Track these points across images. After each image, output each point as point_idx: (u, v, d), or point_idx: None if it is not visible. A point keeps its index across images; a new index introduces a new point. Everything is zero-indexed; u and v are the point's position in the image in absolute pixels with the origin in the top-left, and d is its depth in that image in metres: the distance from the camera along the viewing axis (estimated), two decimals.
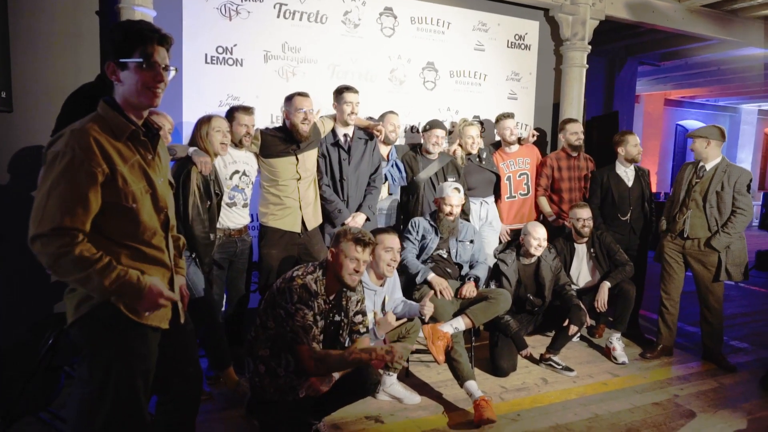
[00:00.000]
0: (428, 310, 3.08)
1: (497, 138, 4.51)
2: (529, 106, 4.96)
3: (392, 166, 3.96)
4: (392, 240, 3.02)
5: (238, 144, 3.27)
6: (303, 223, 3.47)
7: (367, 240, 2.52)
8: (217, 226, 3.11)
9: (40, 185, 1.56)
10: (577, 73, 4.91)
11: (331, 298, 2.56)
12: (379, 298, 3.12)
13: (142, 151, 1.71)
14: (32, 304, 3.18)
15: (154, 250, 1.75)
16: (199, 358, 2.04)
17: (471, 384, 3.07)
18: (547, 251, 3.75)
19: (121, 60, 1.63)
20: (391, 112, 4.06)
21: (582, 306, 3.65)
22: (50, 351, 2.19)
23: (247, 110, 3.30)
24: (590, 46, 4.93)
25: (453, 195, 3.55)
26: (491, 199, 4.33)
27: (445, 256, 3.62)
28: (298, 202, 3.44)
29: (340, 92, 3.65)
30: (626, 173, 4.24)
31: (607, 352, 3.94)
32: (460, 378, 3.11)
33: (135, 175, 1.67)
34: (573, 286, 3.90)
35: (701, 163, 3.82)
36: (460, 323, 3.28)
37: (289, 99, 3.39)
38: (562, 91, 4.99)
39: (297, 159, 3.41)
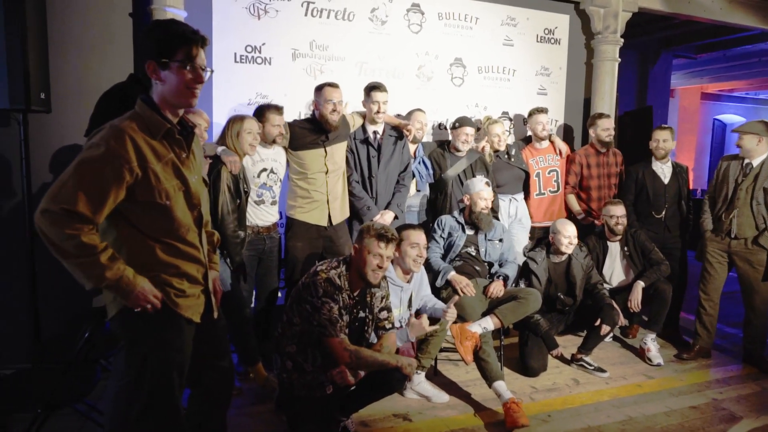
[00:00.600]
0: (450, 316, 3.03)
1: (528, 133, 4.45)
2: (559, 101, 4.88)
3: (419, 163, 3.94)
4: (418, 236, 3.01)
5: (270, 143, 3.30)
6: (329, 217, 3.48)
7: (390, 236, 2.51)
8: (246, 223, 3.15)
9: (70, 166, 1.59)
10: (608, 67, 4.80)
11: (355, 294, 2.56)
12: (405, 294, 3.11)
13: (176, 149, 1.73)
14: (71, 299, 3.28)
15: (189, 247, 1.77)
16: (231, 353, 2.06)
17: (500, 384, 3.03)
18: (578, 249, 3.68)
19: (164, 60, 1.65)
20: (419, 109, 4.04)
21: (615, 305, 3.57)
22: (87, 344, 2.24)
23: (279, 110, 3.32)
24: (623, 39, 4.81)
25: (485, 189, 3.53)
26: (521, 196, 4.28)
27: (473, 254, 3.58)
28: (325, 195, 3.45)
29: (368, 90, 3.67)
30: (662, 170, 4.12)
31: (641, 353, 3.85)
32: (489, 378, 3.08)
33: (168, 173, 1.69)
34: (606, 285, 3.82)
35: (747, 160, 3.68)
36: (489, 323, 3.24)
37: (319, 89, 3.41)
38: (593, 85, 4.88)
39: (326, 151, 3.43)
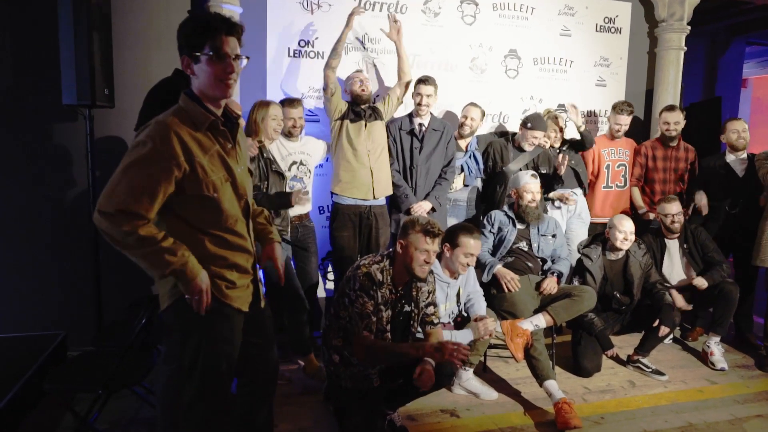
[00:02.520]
0: (482, 330, 2.94)
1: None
2: (619, 92, 4.67)
3: (469, 157, 3.88)
4: (475, 247, 2.94)
5: (287, 134, 3.42)
6: (373, 192, 3.52)
7: (436, 231, 2.48)
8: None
9: (119, 166, 1.64)
10: (673, 56, 4.56)
11: (399, 288, 2.54)
12: (452, 290, 3.07)
13: (221, 141, 1.75)
14: (131, 286, 3.44)
15: (237, 237, 1.80)
16: (275, 344, 2.10)
17: (551, 384, 2.95)
18: (637, 246, 3.52)
19: (195, 54, 1.67)
20: (473, 104, 3.98)
21: (674, 306, 3.40)
22: (143, 330, 2.33)
23: (292, 103, 3.46)
24: (689, 27, 4.55)
25: (531, 182, 3.44)
26: (579, 190, 4.13)
27: (525, 249, 3.50)
28: (369, 169, 3.51)
29: (416, 84, 3.71)
30: (737, 163, 3.88)
31: (703, 357, 3.65)
32: (540, 377, 3.00)
33: (215, 165, 1.72)
34: (666, 285, 3.64)
35: None
36: (541, 320, 3.16)
37: (347, 78, 3.67)
38: (656, 76, 4.65)
39: (366, 126, 3.54)
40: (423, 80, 3.68)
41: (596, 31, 4.57)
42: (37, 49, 3.33)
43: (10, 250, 3.43)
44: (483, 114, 4.02)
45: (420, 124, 3.70)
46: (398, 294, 2.52)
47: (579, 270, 3.59)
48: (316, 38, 3.96)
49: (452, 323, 3.09)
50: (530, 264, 3.47)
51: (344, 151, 3.53)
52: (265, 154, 3.18)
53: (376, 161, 3.55)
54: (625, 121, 4.15)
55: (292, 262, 3.34)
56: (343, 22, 3.89)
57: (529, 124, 3.83)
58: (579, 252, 3.68)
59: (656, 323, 3.36)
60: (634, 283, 3.49)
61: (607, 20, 4.59)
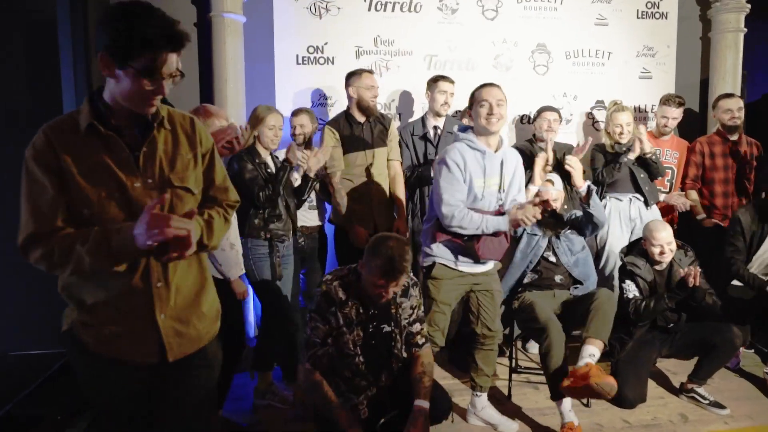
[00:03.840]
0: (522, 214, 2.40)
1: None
2: (667, 84, 4.17)
3: None
4: (488, 92, 2.48)
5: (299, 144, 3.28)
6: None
7: (396, 273, 2.03)
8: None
9: None
10: (731, 39, 4.03)
11: (371, 308, 2.19)
12: (490, 162, 2.47)
13: (111, 147, 1.42)
14: None
15: (118, 275, 1.43)
16: (209, 409, 1.71)
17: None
18: (683, 254, 3.04)
19: (122, 61, 1.33)
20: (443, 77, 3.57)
21: (734, 326, 2.88)
22: None
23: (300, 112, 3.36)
24: (749, 5, 4.01)
25: (543, 190, 2.99)
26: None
27: (552, 260, 3.09)
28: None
29: (434, 81, 3.42)
30: None
31: None
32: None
33: (95, 177, 1.40)
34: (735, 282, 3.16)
35: None
36: (595, 350, 2.66)
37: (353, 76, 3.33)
38: (711, 63, 4.12)
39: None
40: (444, 77, 3.41)
41: (638, 18, 4.12)
42: (40, 69, 3.34)
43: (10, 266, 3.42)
44: None
45: (435, 127, 3.41)
46: (371, 313, 2.21)
47: (627, 274, 3.06)
48: (326, 43, 3.79)
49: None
50: (558, 278, 3.06)
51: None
52: (257, 160, 2.94)
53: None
54: (674, 113, 3.66)
55: (290, 276, 3.07)
56: (353, 24, 3.72)
57: (539, 108, 3.61)
58: (622, 260, 3.20)
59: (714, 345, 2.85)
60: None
61: (650, 5, 4.13)
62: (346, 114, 3.31)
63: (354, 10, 3.79)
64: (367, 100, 3.23)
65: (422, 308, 2.33)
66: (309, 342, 2.13)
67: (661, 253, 2.92)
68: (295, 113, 3.36)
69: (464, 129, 2.60)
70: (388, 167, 3.34)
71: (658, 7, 4.15)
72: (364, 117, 3.27)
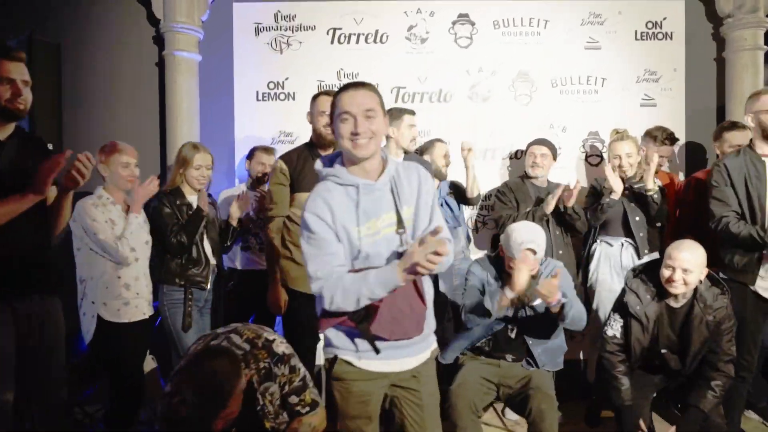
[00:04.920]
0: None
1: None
2: (675, 112, 3.63)
3: (440, 205, 3.11)
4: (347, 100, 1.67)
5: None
6: None
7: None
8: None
9: None
10: (748, 58, 3.46)
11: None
12: (382, 194, 1.69)
13: None
14: None
15: None
16: None
17: None
18: (713, 295, 2.36)
19: None
20: (439, 140, 3.28)
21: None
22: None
23: (267, 150, 3.25)
24: None
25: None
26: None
27: (511, 335, 2.58)
28: None
29: (399, 114, 3.01)
30: None
31: None
32: None
33: None
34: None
35: None
36: None
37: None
38: (727, 86, 3.56)
39: None
40: (407, 111, 3.03)
41: (636, 39, 3.66)
42: None
43: None
44: (445, 151, 3.26)
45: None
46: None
47: (620, 309, 2.49)
48: (287, 78, 3.65)
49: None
50: (510, 357, 2.58)
51: None
52: (179, 201, 2.76)
53: None
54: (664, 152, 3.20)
55: (206, 326, 2.81)
56: (315, 58, 3.58)
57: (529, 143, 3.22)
58: (626, 286, 2.51)
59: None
60: (691, 348, 2.36)
61: (651, 25, 3.66)
62: (308, 145, 2.83)
63: (316, 43, 3.64)
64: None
65: (300, 375, 1.88)
66: None
67: (670, 279, 2.27)
68: (253, 153, 3.25)
69: (332, 159, 1.76)
70: None
71: (660, 27, 3.66)
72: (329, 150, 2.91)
